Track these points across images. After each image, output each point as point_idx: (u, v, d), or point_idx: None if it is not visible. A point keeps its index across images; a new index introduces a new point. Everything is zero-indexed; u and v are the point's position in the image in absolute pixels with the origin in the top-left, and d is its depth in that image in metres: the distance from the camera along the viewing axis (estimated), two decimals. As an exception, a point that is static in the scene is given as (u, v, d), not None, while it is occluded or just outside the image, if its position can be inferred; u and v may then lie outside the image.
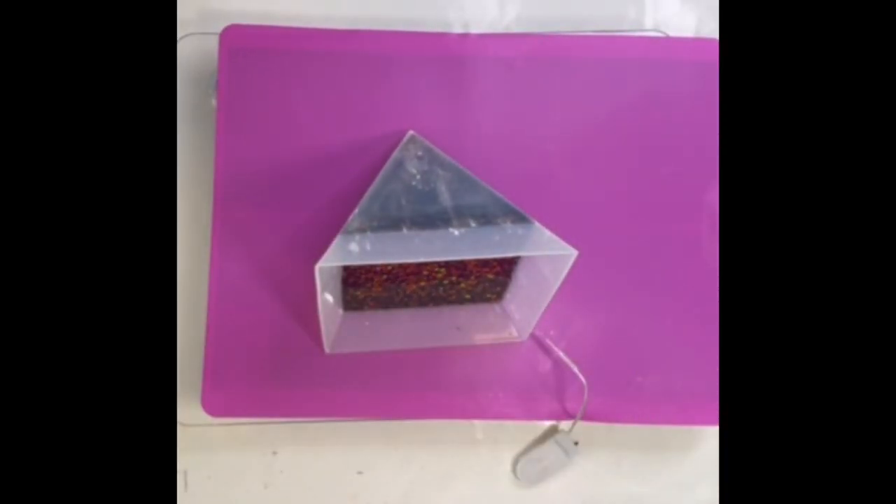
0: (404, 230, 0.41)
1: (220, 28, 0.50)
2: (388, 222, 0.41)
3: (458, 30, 0.54)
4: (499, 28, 0.55)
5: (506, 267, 0.47)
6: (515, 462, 0.52)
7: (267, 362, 0.48)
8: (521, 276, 0.48)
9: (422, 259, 0.40)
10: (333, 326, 0.48)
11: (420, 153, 0.47)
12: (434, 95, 0.50)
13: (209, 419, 0.48)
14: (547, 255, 0.42)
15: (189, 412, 0.50)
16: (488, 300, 0.51)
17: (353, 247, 0.40)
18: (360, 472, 0.52)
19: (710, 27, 0.55)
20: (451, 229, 0.41)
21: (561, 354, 0.49)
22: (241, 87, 0.50)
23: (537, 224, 0.42)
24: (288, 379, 0.47)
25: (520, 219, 0.42)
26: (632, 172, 0.51)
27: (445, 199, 0.44)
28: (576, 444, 0.51)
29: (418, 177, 0.45)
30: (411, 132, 0.49)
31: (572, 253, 0.40)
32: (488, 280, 0.48)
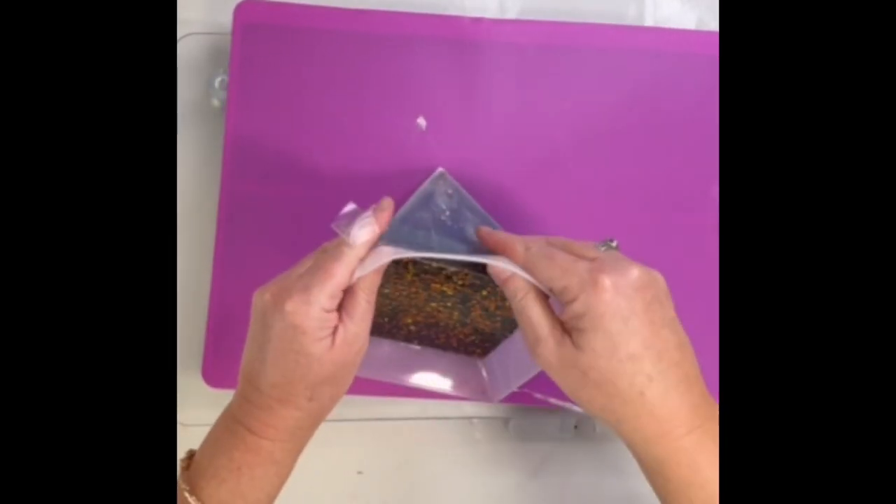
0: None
1: (221, 28, 0.50)
2: (416, 242, 0.41)
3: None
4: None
5: (505, 322, 0.46)
6: (508, 420, 0.51)
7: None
8: (517, 336, 0.46)
9: (462, 258, 0.39)
10: None
11: (450, 191, 0.47)
12: (446, 77, 0.50)
13: (209, 419, 0.48)
14: None
15: (189, 412, 0.50)
16: (472, 353, 0.50)
17: (388, 250, 0.39)
18: (360, 472, 0.52)
19: (709, 26, 0.55)
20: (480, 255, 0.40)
21: (549, 399, 0.48)
22: (252, 62, 0.50)
23: None
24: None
25: None
26: (640, 163, 0.51)
27: (473, 240, 0.43)
28: (575, 427, 0.51)
29: (448, 213, 0.45)
30: (440, 169, 0.50)
31: None
32: (483, 333, 0.47)
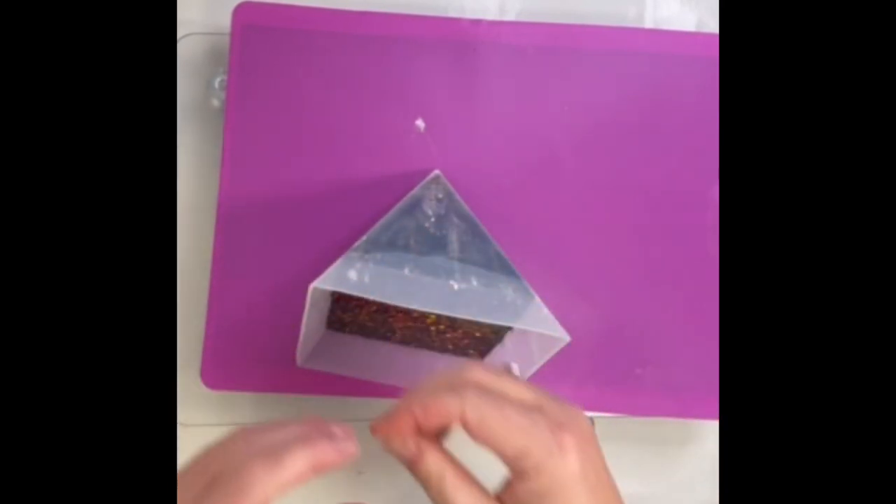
0: (406, 271, 0.40)
1: (221, 28, 0.50)
2: (392, 258, 0.41)
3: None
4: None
5: (496, 329, 0.46)
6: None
7: (267, 342, 0.48)
8: (508, 343, 0.47)
9: (415, 307, 0.38)
10: (310, 343, 0.47)
11: (441, 195, 0.47)
12: (445, 79, 0.50)
13: (209, 419, 0.48)
14: (539, 332, 0.41)
15: (189, 412, 0.50)
16: (469, 356, 0.49)
17: (353, 275, 0.39)
18: (360, 472, 0.52)
19: (709, 28, 0.55)
20: (451, 282, 0.40)
21: None
22: (252, 63, 0.50)
23: (538, 299, 0.41)
24: (288, 359, 0.46)
25: (521, 289, 0.42)
26: (640, 164, 0.51)
27: (454, 249, 0.43)
28: None
29: (433, 219, 0.45)
30: (436, 172, 0.49)
31: (564, 338, 0.39)
32: (475, 338, 0.47)
